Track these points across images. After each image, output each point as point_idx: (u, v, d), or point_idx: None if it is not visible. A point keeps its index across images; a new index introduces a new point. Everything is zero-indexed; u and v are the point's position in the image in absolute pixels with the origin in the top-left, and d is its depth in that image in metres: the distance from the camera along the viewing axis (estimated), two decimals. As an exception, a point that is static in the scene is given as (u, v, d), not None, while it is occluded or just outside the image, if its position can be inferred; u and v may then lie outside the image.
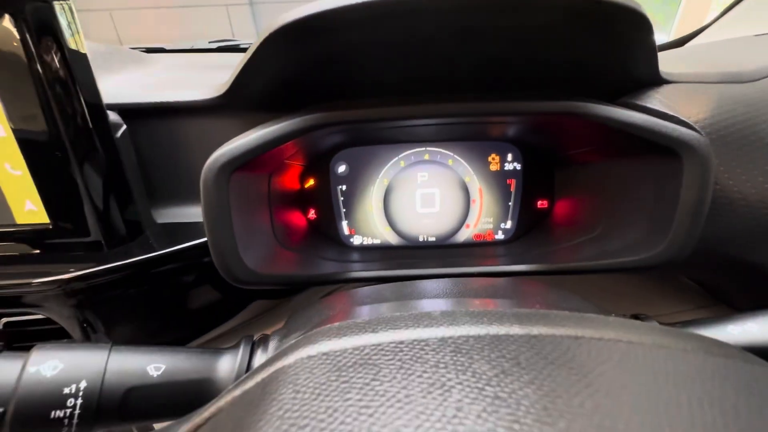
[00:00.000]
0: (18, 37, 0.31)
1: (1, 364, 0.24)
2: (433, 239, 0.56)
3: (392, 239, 0.56)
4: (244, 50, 0.94)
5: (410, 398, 0.12)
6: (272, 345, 0.31)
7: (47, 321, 0.41)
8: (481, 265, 0.46)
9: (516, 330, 0.16)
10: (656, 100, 0.38)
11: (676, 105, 0.37)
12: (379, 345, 0.15)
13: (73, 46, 0.33)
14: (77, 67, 0.34)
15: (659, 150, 0.34)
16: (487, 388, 0.12)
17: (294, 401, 0.13)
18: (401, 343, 0.15)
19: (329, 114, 0.36)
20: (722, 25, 0.75)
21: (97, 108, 0.35)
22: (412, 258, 0.53)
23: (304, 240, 0.52)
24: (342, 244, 0.56)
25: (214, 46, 0.95)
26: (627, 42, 0.33)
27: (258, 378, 0.15)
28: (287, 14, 0.30)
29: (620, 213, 0.41)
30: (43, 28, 0.31)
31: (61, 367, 0.24)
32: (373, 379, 0.13)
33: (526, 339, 0.15)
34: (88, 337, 0.41)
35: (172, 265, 0.43)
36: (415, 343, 0.15)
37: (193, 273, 0.45)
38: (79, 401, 0.24)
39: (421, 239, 0.56)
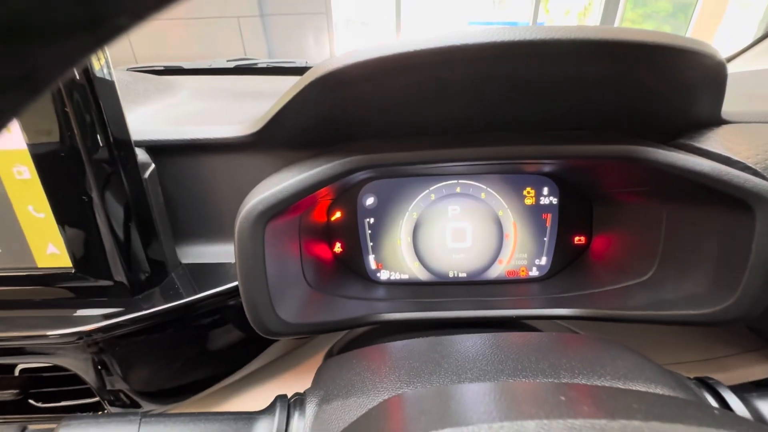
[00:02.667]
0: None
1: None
2: (464, 275, 0.53)
3: (421, 275, 0.53)
4: (261, 70, 0.94)
5: None
6: (310, 408, 0.29)
7: (63, 368, 0.39)
8: (516, 307, 0.44)
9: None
10: (716, 142, 0.35)
11: (738, 147, 0.35)
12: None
13: (101, 75, 0.31)
14: (106, 102, 0.32)
15: (724, 198, 0.32)
16: None
17: None
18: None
19: (368, 157, 0.34)
20: (754, 54, 0.72)
21: (126, 145, 0.34)
22: (441, 295, 0.50)
23: (330, 275, 0.50)
24: (368, 279, 0.54)
25: (232, 65, 0.94)
26: (695, 85, 0.31)
27: None
28: (332, 61, 0.28)
29: (677, 259, 0.38)
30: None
31: (89, 451, 0.22)
32: None
33: None
34: (104, 382, 0.39)
35: (197, 311, 0.40)
36: None
37: (216, 315, 0.43)
38: (108, 491, 0.22)
39: (451, 275, 0.53)
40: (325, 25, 4.40)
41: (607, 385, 0.25)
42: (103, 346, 0.36)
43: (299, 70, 0.90)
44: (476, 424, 0.16)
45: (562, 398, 0.19)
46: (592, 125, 0.38)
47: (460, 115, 0.36)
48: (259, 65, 0.95)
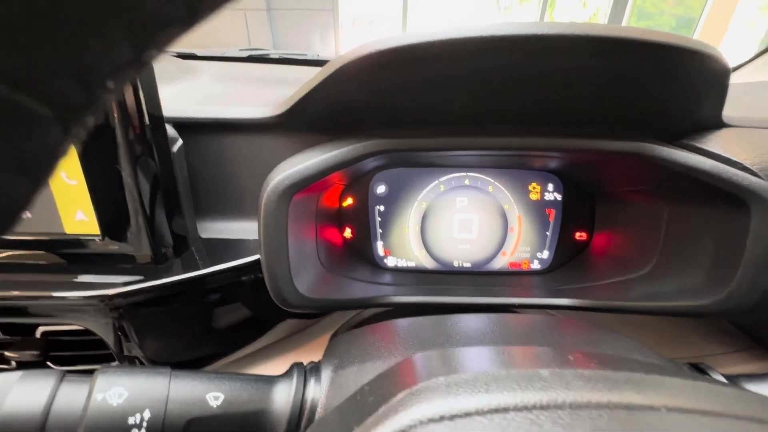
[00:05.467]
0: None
1: (66, 389, 0.23)
2: (469, 265, 0.55)
3: (427, 263, 0.55)
4: (274, 60, 0.95)
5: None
6: (325, 375, 0.30)
7: (83, 332, 0.40)
8: (518, 296, 0.46)
9: (681, 401, 0.15)
10: (717, 144, 0.37)
11: (737, 150, 0.37)
12: (506, 410, 0.15)
13: None
14: (142, 77, 0.33)
15: (723, 196, 0.34)
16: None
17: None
18: (529, 407, 0.14)
19: (386, 141, 0.35)
20: (757, 66, 0.75)
21: (158, 121, 0.35)
22: (446, 283, 0.52)
23: (340, 259, 0.51)
24: (376, 265, 0.55)
25: (245, 54, 0.96)
26: (698, 85, 0.33)
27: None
28: (362, 48, 0.30)
29: (676, 254, 0.40)
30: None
31: (126, 395, 0.24)
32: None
33: (659, 411, 0.15)
34: (122, 347, 0.41)
35: (212, 284, 0.42)
36: (546, 408, 0.14)
37: (230, 291, 0.45)
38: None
39: (456, 264, 0.55)
40: (332, 22, 4.41)
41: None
42: (123, 312, 0.38)
43: (311, 62, 0.91)
44: (495, 371, 0.17)
45: (571, 357, 0.21)
46: (600, 123, 0.40)
47: (473, 107, 0.38)
48: (272, 56, 0.96)
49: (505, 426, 0.14)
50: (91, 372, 0.26)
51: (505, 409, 0.15)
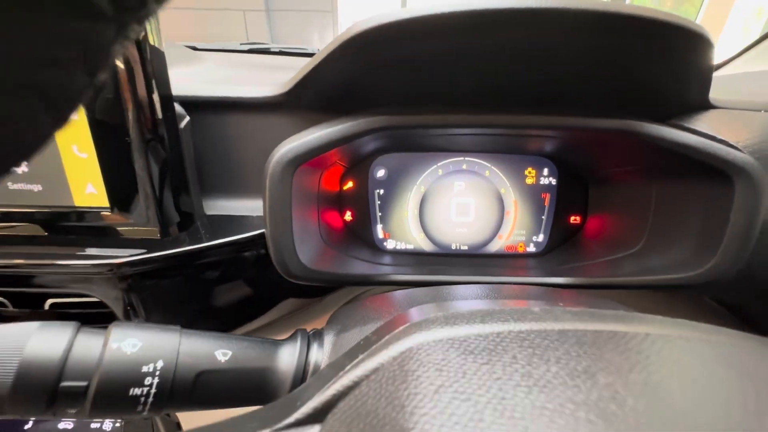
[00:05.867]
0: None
1: (83, 338, 0.24)
2: (466, 248, 0.57)
3: (425, 246, 0.57)
4: (275, 53, 0.96)
5: (560, 378, 0.13)
6: (327, 340, 0.32)
7: (90, 304, 0.41)
8: (513, 276, 0.47)
9: (621, 328, 0.17)
10: (704, 123, 0.39)
11: (724, 129, 0.38)
12: (500, 334, 0.16)
13: (151, 37, 0.34)
14: (152, 53, 0.35)
15: (710, 172, 0.36)
16: (632, 376, 0.13)
17: (441, 378, 0.13)
18: (523, 333, 0.16)
19: (385, 118, 0.37)
20: (745, 60, 0.77)
21: (167, 98, 0.36)
22: (444, 265, 0.53)
23: (340, 241, 0.53)
24: (375, 247, 0.56)
25: (246, 48, 0.97)
26: (685, 62, 0.34)
27: (383, 358, 0.16)
28: (365, 21, 0.31)
29: (664, 231, 0.42)
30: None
31: (140, 345, 0.25)
32: (512, 362, 0.14)
33: (641, 337, 0.16)
34: (130, 318, 0.42)
35: (216, 258, 0.43)
36: (538, 333, 0.16)
37: (234, 266, 0.46)
38: (156, 380, 0.24)
39: (453, 247, 0.57)
40: (331, 23, 4.42)
41: None
42: (131, 283, 0.39)
43: (310, 55, 0.93)
44: (490, 308, 0.19)
45: (561, 304, 0.22)
46: (594, 104, 0.41)
47: (470, 87, 0.39)
48: (272, 50, 0.98)
49: (498, 342, 0.15)
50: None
51: (499, 334, 0.16)
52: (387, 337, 0.18)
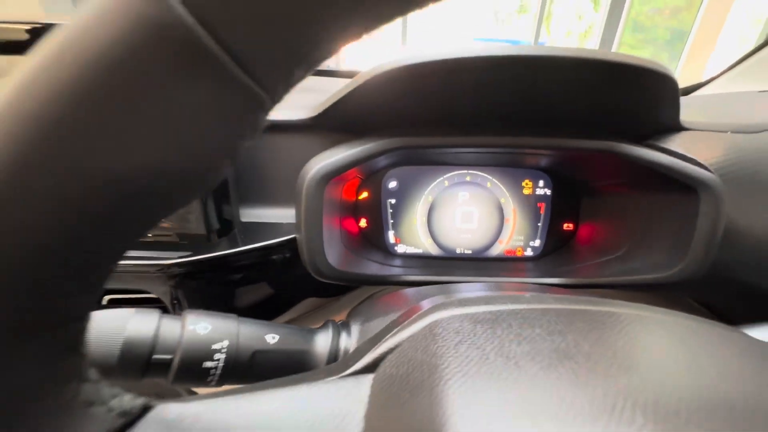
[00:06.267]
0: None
1: (166, 322, 0.30)
2: (469, 252, 0.62)
3: (433, 250, 0.62)
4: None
5: (541, 336, 0.18)
6: (354, 329, 0.37)
7: (141, 301, 0.47)
8: (512, 277, 0.53)
9: (591, 307, 0.23)
10: (677, 144, 0.45)
11: (694, 149, 0.44)
12: (500, 310, 0.22)
13: None
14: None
15: (680, 186, 0.42)
16: (589, 335, 0.19)
17: (458, 336, 0.19)
18: (516, 310, 0.22)
19: (410, 139, 0.43)
20: (729, 78, 0.83)
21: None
22: (449, 267, 0.59)
23: (357, 245, 0.59)
24: (387, 251, 0.62)
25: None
26: (655, 95, 0.41)
27: (415, 328, 0.22)
28: (392, 61, 0.38)
29: (643, 237, 0.48)
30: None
31: (210, 328, 0.31)
32: (508, 327, 0.20)
33: (605, 314, 0.22)
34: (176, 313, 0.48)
35: (248, 260, 0.49)
36: (528, 310, 0.21)
37: (262, 268, 0.52)
38: (224, 356, 0.30)
39: (458, 251, 0.62)
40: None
41: None
42: (179, 280, 0.45)
43: (322, 73, 0.99)
44: (493, 294, 0.25)
45: (550, 292, 0.28)
46: (582, 127, 0.47)
47: (475, 113, 0.46)
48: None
49: (498, 315, 0.21)
50: None
51: (499, 310, 0.22)
52: (413, 317, 0.23)
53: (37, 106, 0.11)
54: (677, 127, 0.46)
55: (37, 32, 0.48)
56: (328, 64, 1.10)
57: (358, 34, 0.15)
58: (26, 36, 0.49)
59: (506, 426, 0.14)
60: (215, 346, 0.30)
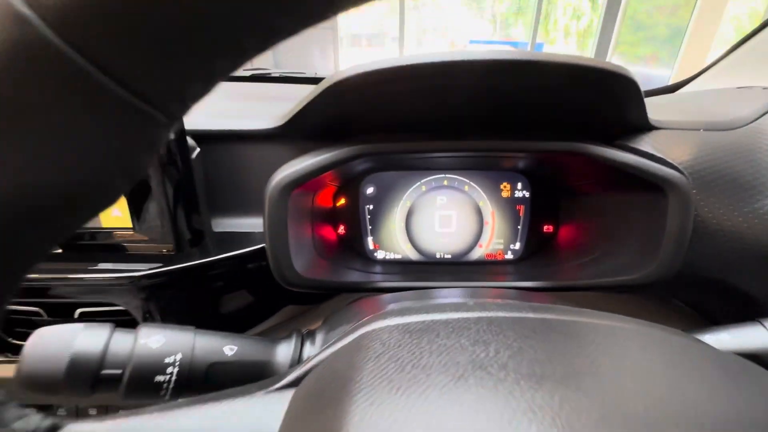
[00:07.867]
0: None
1: (118, 336, 0.30)
2: (449, 256, 0.62)
3: (412, 255, 0.62)
4: (275, 79, 1.04)
5: (463, 346, 0.18)
6: (319, 337, 0.37)
7: (113, 313, 0.47)
8: (493, 281, 0.52)
9: (530, 315, 0.22)
10: (647, 143, 0.45)
11: (664, 148, 0.44)
12: (433, 320, 0.21)
13: None
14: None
15: (648, 186, 0.41)
16: (513, 344, 0.18)
17: (382, 348, 0.19)
18: (451, 320, 0.21)
19: (370, 146, 0.43)
20: (713, 74, 0.83)
21: (181, 133, 0.43)
22: (429, 272, 0.59)
23: (335, 252, 0.58)
24: (366, 258, 0.62)
25: (248, 74, 1.04)
26: (619, 97, 0.40)
27: (347, 340, 0.21)
28: (343, 71, 0.38)
29: (616, 238, 0.47)
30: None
31: (163, 341, 0.30)
32: (435, 337, 0.19)
33: (539, 321, 0.21)
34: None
35: (223, 270, 0.49)
36: (461, 320, 0.21)
37: (237, 277, 0.52)
38: (176, 369, 0.30)
39: (438, 256, 0.62)
40: (331, 39, 4.55)
41: None
42: (150, 293, 0.45)
43: (309, 80, 1.00)
44: (435, 303, 0.24)
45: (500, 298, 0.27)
46: (552, 129, 0.47)
47: (443, 118, 0.46)
48: (273, 74, 1.05)
49: (429, 325, 0.21)
50: None
51: (433, 320, 0.22)
52: (354, 326, 0.23)
53: None
54: (647, 127, 0.46)
55: None
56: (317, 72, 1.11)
57: (250, 53, 0.15)
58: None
59: None
60: (168, 360, 0.30)
